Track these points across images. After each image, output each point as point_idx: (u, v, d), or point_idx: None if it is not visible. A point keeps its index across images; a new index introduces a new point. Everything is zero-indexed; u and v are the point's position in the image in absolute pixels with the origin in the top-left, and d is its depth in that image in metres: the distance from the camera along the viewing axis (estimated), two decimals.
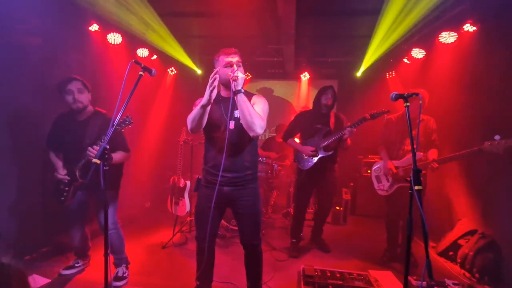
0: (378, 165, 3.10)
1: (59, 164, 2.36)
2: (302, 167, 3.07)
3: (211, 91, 1.64)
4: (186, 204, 3.33)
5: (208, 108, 1.71)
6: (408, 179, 1.37)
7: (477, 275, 2.60)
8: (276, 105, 5.92)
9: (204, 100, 1.66)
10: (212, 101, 1.67)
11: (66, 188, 2.31)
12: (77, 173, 2.26)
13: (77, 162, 2.24)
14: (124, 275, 2.42)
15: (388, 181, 2.95)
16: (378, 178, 3.07)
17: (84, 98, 2.28)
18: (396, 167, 2.86)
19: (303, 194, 3.20)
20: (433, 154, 2.73)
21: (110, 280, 2.27)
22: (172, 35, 4.24)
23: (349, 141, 2.95)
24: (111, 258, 2.40)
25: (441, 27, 3.32)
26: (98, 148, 2.06)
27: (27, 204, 2.67)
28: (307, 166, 3.03)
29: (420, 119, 2.91)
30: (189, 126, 1.77)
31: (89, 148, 2.10)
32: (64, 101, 2.27)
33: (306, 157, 3.04)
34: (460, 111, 3.22)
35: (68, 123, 2.34)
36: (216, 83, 1.65)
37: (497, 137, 2.22)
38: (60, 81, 2.26)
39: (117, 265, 2.46)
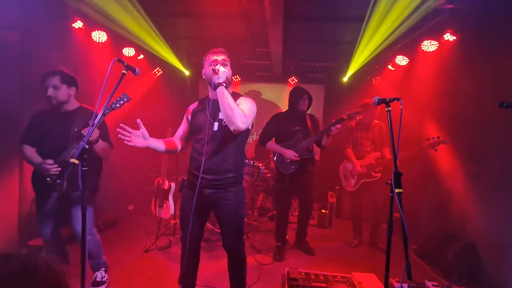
0: (345, 165, 3.53)
1: (38, 158, 2.10)
2: (285, 171, 3.01)
3: None
4: (171, 206, 3.28)
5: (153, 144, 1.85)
6: (389, 182, 1.39)
7: (456, 277, 2.67)
8: (265, 108, 5.92)
9: None
10: None
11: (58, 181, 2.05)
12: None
13: (59, 155, 2.06)
14: (103, 279, 2.33)
15: (353, 178, 3.40)
16: (345, 177, 3.53)
17: (61, 93, 2.09)
18: (361, 166, 3.33)
19: (285, 197, 3.18)
20: (387, 152, 3.31)
21: (88, 286, 2.18)
22: (160, 35, 4.17)
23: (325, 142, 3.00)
24: (88, 263, 2.28)
25: (423, 36, 3.42)
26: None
27: (1, 206, 2.54)
28: (290, 170, 2.98)
29: (373, 123, 3.41)
30: None
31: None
32: None
33: (288, 160, 2.99)
34: (440, 115, 3.35)
35: (49, 117, 2.15)
36: None
37: (432, 137, 2.84)
38: (42, 75, 2.11)
39: (95, 269, 2.35)
